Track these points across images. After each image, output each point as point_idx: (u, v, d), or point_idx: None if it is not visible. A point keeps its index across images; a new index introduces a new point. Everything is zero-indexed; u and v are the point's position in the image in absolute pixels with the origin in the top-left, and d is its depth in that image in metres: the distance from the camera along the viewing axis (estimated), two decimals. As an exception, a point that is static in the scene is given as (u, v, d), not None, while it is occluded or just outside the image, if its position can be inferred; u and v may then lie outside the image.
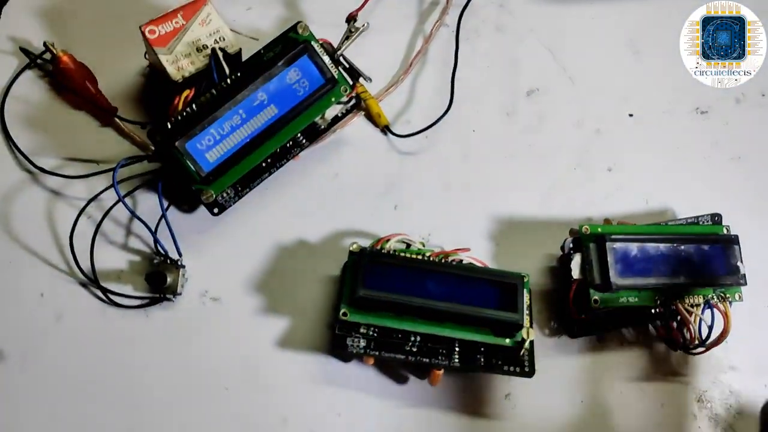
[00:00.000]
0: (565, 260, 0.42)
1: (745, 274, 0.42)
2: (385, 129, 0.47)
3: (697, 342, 0.41)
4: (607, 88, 0.51)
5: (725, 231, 0.43)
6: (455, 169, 0.47)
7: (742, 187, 0.48)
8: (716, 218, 0.44)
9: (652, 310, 0.41)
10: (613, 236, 0.41)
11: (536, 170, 0.48)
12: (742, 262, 0.42)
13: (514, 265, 0.44)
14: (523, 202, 0.47)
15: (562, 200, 0.47)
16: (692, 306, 0.41)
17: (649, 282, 0.40)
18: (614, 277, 0.40)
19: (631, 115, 0.50)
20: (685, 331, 0.41)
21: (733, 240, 0.42)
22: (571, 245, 0.42)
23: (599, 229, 0.41)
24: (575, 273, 0.41)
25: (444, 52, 0.50)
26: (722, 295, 0.41)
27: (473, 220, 0.46)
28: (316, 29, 0.42)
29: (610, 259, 0.40)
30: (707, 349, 0.41)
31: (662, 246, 0.41)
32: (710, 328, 0.40)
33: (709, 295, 0.41)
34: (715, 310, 0.41)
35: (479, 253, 0.44)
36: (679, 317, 0.41)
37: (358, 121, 0.47)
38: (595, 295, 0.40)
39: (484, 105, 0.49)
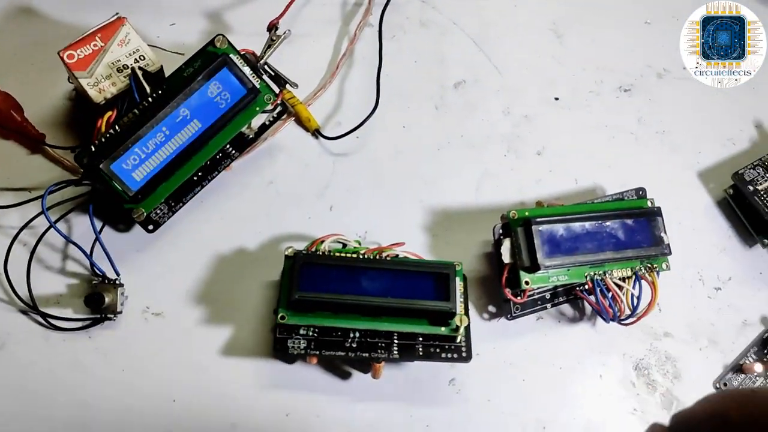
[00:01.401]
0: (497, 245, 0.44)
1: (669, 244, 0.43)
2: (316, 132, 0.48)
3: (628, 312, 0.42)
4: (533, 74, 0.52)
5: (649, 204, 0.44)
6: (388, 166, 0.48)
7: (666, 161, 0.50)
8: (640, 192, 0.46)
9: (584, 286, 0.43)
10: (539, 219, 0.42)
11: (468, 160, 0.49)
12: (665, 232, 0.43)
13: (451, 254, 0.45)
14: (457, 192, 0.48)
15: (495, 187, 0.48)
16: (621, 279, 0.43)
17: (576, 260, 0.41)
18: (542, 258, 0.41)
19: (557, 99, 0.52)
20: (615, 303, 0.42)
21: (656, 212, 0.44)
22: (501, 231, 0.43)
23: (526, 213, 0.42)
24: (505, 257, 0.42)
25: (370, 52, 0.51)
26: (649, 266, 0.43)
27: (409, 214, 0.47)
28: (242, 40, 0.43)
29: (537, 241, 0.41)
30: (638, 319, 0.42)
31: (588, 224, 0.43)
32: (638, 298, 0.42)
33: (637, 267, 0.43)
34: (642, 281, 0.43)
35: (416, 246, 0.45)
36: (609, 291, 0.42)
37: (289, 127, 0.48)
38: (526, 277, 0.41)
39: (413, 100, 0.50)
